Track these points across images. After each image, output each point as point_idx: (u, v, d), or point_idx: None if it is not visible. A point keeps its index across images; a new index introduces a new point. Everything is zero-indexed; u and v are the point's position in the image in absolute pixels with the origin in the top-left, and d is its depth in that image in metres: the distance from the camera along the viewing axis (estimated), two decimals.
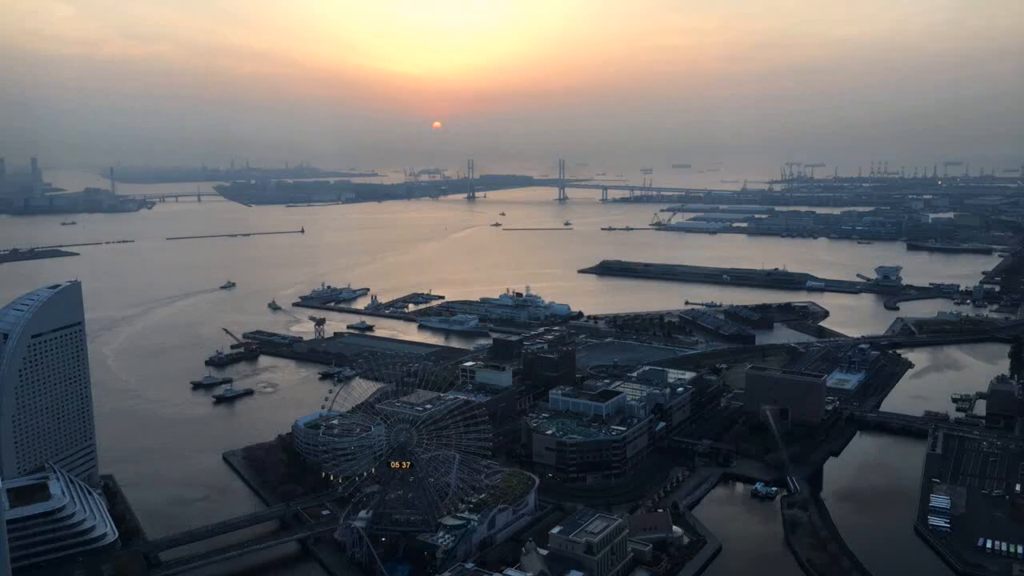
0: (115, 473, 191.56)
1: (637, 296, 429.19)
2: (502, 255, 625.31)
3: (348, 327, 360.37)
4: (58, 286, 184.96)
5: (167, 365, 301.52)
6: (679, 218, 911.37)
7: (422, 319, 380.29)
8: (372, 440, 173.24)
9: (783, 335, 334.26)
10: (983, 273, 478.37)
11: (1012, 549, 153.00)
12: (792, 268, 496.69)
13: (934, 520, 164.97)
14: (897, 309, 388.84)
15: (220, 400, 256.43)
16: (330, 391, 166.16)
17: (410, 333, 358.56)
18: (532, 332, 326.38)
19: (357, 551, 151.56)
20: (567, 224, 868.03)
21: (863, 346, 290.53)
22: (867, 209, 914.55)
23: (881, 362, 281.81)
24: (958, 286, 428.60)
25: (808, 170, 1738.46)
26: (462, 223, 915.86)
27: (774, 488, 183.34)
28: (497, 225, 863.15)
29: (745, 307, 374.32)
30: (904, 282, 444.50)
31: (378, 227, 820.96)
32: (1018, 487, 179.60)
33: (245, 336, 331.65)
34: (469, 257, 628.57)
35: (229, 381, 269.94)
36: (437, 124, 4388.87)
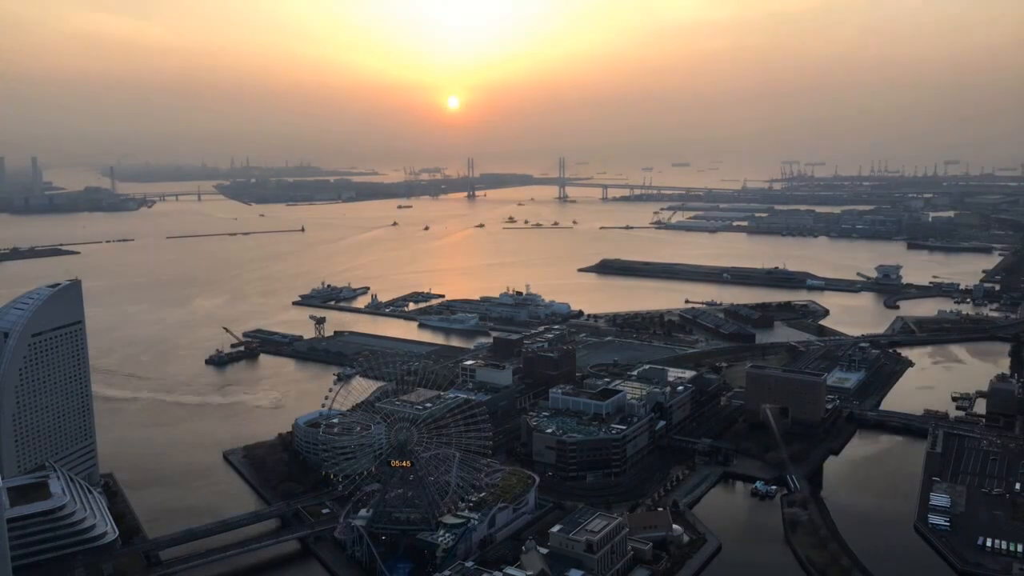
0: (115, 472, 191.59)
1: (637, 295, 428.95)
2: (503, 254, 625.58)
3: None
4: (58, 285, 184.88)
5: (167, 364, 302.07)
6: (679, 217, 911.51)
7: (422, 318, 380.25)
8: (372, 439, 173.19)
9: (783, 334, 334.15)
10: (983, 272, 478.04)
11: (1012, 548, 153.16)
12: (792, 267, 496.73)
13: (934, 519, 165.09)
14: (897, 308, 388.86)
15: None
16: (330, 390, 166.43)
17: (410, 332, 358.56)
18: (532, 331, 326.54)
19: (357, 550, 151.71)
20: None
21: (863, 345, 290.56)
22: (867, 208, 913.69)
23: (881, 361, 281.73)
24: (958, 285, 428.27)
25: (808, 169, 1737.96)
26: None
27: (774, 487, 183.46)
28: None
29: (745, 306, 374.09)
30: (904, 281, 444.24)
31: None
32: (1018, 486, 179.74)
33: (245, 335, 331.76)
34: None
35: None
36: (454, 103, 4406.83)
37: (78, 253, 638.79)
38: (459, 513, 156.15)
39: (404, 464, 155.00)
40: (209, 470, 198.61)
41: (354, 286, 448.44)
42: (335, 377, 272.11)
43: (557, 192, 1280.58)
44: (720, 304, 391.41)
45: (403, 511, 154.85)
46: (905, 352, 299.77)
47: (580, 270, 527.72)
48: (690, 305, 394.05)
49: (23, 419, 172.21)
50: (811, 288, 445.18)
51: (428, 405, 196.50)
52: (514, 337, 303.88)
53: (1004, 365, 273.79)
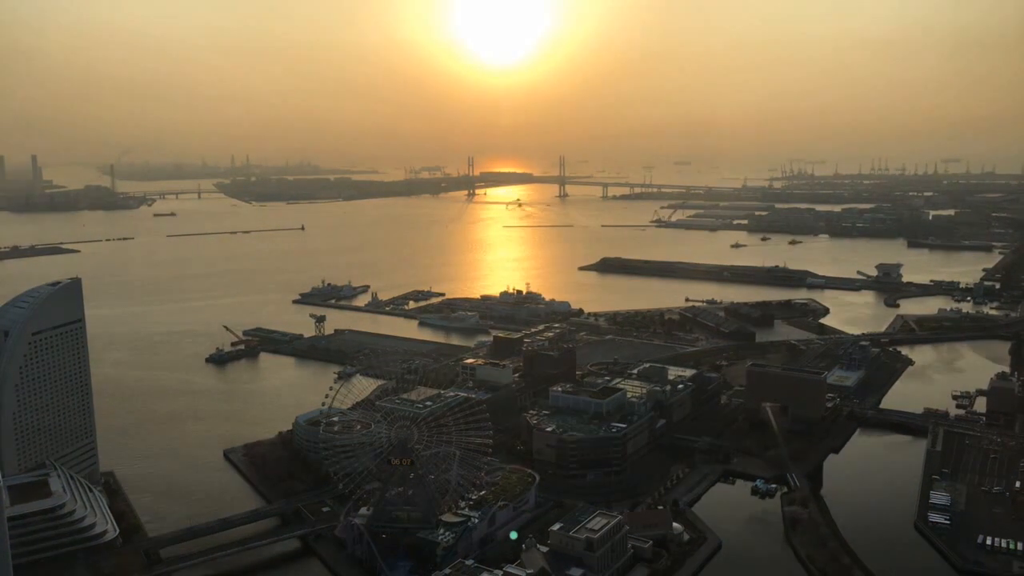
0: (116, 470, 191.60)
1: (637, 293, 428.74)
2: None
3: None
4: (59, 283, 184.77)
5: (168, 362, 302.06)
6: (679, 215, 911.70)
7: (422, 316, 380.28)
8: (373, 437, 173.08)
9: (783, 332, 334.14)
10: (983, 270, 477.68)
11: (1012, 546, 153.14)
12: (792, 265, 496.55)
13: (934, 517, 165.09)
14: (897, 306, 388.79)
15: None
16: (331, 388, 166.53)
17: (411, 330, 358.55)
18: (532, 329, 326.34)
19: (358, 548, 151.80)
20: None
21: (863, 343, 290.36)
22: (867, 206, 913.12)
23: (881, 359, 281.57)
24: (958, 283, 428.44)
25: (808, 167, 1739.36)
26: None
27: (774, 485, 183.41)
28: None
29: (745, 304, 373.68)
30: (904, 279, 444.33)
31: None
32: (1018, 484, 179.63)
33: (245, 333, 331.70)
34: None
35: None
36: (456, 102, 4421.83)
37: (78, 252, 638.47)
38: (459, 512, 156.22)
39: (404, 462, 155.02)
40: (209, 468, 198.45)
41: (355, 284, 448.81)
42: (335, 375, 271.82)
43: (557, 191, 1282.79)
44: (720, 302, 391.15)
45: (403, 509, 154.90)
46: (905, 350, 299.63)
47: (581, 268, 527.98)
48: (690, 303, 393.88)
49: (23, 417, 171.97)
50: (811, 286, 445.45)
51: (428, 403, 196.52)
52: (514, 336, 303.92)
53: (1004, 363, 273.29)
